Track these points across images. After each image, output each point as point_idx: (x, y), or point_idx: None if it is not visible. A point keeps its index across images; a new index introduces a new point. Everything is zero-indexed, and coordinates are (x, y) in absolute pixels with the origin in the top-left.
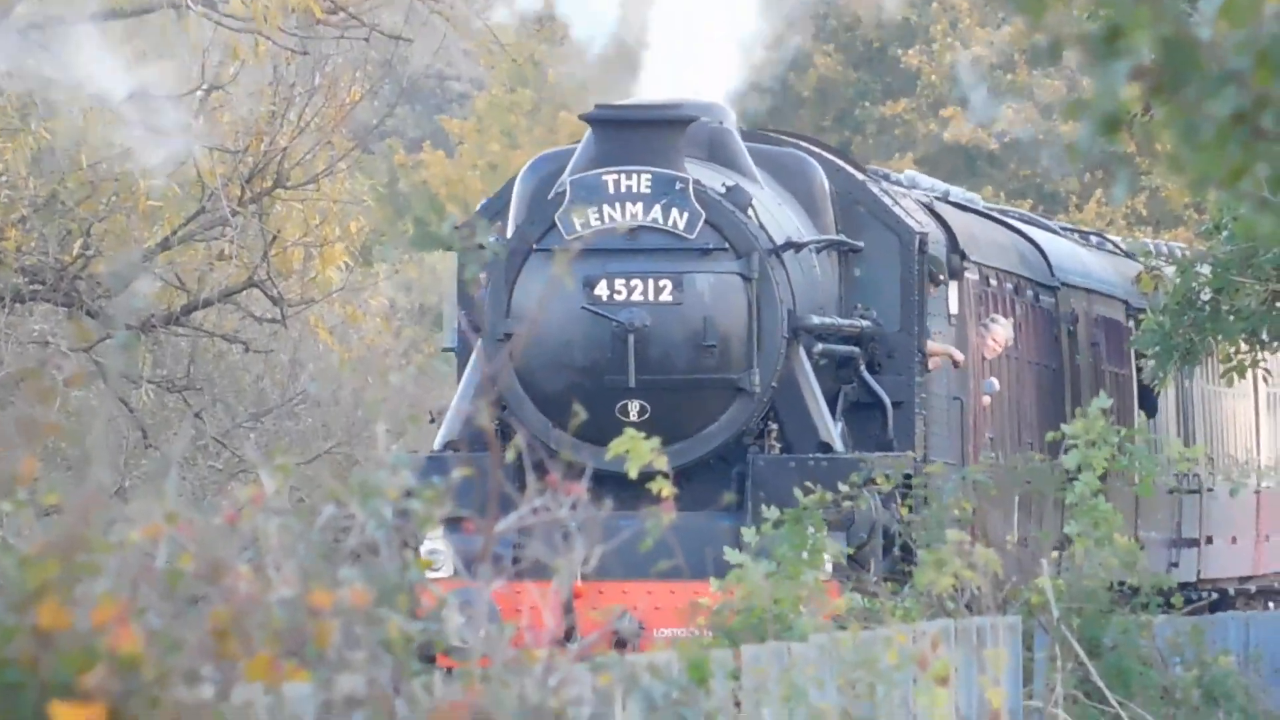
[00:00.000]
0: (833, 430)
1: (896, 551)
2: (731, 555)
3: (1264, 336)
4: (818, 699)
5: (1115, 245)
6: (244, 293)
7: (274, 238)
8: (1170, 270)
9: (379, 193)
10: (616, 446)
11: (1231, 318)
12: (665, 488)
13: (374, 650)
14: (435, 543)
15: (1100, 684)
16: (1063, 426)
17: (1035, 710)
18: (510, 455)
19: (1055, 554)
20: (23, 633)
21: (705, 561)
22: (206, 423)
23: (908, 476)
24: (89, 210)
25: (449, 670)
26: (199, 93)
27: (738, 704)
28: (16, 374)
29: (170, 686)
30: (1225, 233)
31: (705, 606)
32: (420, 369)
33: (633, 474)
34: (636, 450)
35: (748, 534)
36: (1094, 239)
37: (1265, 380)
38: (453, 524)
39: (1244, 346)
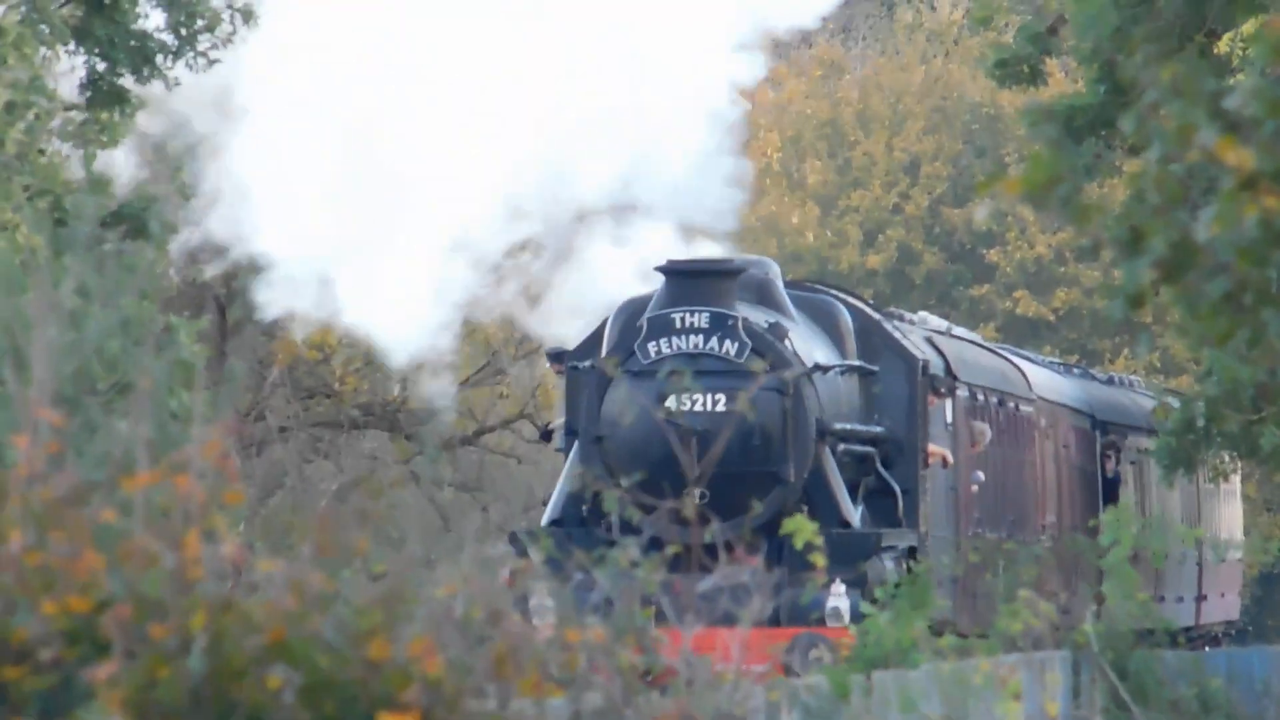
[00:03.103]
0: (853, 512)
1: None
2: (866, 608)
3: (1241, 453)
4: (926, 708)
5: (1088, 373)
6: (518, 421)
7: (539, 384)
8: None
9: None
10: (787, 525)
11: (1219, 439)
12: (819, 559)
13: (611, 674)
14: (541, 598)
15: (1127, 698)
16: (1101, 516)
17: (1081, 718)
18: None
19: (1093, 606)
20: (358, 662)
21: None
22: (491, 514)
23: (912, 548)
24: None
25: (663, 688)
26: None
27: (869, 712)
28: (354, 480)
29: (465, 700)
30: (1215, 378)
31: (845, 645)
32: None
33: (798, 545)
34: (802, 529)
35: (879, 592)
36: (1076, 370)
37: (1205, 480)
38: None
39: (1227, 459)
